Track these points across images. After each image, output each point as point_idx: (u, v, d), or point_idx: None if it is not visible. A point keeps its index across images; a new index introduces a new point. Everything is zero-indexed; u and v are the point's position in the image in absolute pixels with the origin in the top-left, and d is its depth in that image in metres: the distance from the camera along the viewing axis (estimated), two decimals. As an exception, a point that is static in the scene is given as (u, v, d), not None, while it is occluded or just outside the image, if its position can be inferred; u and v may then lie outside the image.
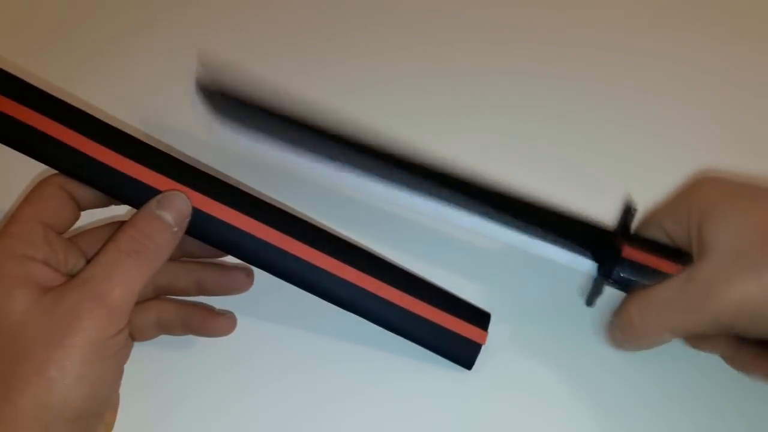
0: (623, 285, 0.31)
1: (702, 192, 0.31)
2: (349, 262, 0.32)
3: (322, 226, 0.33)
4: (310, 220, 0.33)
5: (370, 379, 0.34)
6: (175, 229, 0.29)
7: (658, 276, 0.30)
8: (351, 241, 0.33)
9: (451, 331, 0.33)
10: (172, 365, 0.35)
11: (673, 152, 0.40)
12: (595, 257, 0.32)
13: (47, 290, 0.28)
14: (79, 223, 0.32)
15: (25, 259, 0.28)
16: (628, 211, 0.33)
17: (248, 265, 0.33)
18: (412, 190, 0.34)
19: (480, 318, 0.34)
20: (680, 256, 0.31)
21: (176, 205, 0.30)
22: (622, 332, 0.32)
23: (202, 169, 0.31)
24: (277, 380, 0.34)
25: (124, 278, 0.28)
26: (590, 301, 0.33)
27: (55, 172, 0.31)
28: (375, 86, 0.43)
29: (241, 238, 0.31)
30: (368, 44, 0.44)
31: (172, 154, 0.31)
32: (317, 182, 0.38)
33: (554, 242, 0.33)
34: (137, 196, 0.30)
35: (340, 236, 0.33)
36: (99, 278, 0.28)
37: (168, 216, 0.29)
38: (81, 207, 0.31)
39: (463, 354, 0.33)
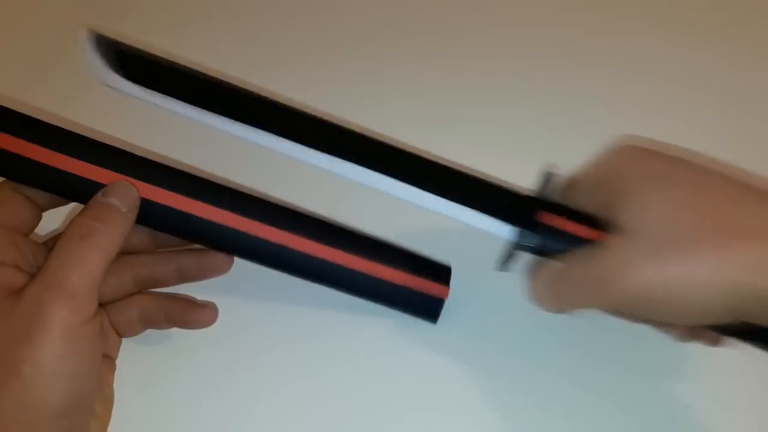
0: (539, 251, 0.31)
1: (621, 164, 0.30)
2: (305, 234, 0.32)
3: (272, 200, 0.32)
4: (260, 196, 0.32)
5: (346, 343, 0.36)
6: (124, 210, 0.29)
7: (574, 242, 0.30)
8: (305, 212, 0.33)
9: (413, 289, 0.33)
10: (165, 360, 0.35)
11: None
12: (514, 224, 0.31)
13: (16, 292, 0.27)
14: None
15: None
16: (546, 178, 0.32)
17: None
18: (328, 153, 0.32)
19: (441, 273, 0.34)
20: (597, 222, 0.30)
21: (121, 190, 0.30)
22: (533, 299, 0.31)
23: (148, 157, 0.31)
24: (265, 358, 0.36)
25: (78, 263, 0.27)
26: (503, 267, 0.32)
27: None
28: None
29: (194, 222, 0.31)
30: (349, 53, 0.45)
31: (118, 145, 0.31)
32: (221, 140, 0.34)
33: (477, 209, 0.32)
34: (87, 193, 0.30)
35: (294, 209, 0.33)
36: (54, 268, 0.27)
37: (114, 200, 0.29)
38: (40, 208, 0.31)
39: (428, 309, 0.34)
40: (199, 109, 0.31)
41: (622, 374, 0.36)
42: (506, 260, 0.32)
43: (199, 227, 0.31)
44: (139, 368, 0.35)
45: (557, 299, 0.30)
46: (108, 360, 0.33)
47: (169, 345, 0.36)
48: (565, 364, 0.36)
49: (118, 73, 0.31)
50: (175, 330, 0.34)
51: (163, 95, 0.31)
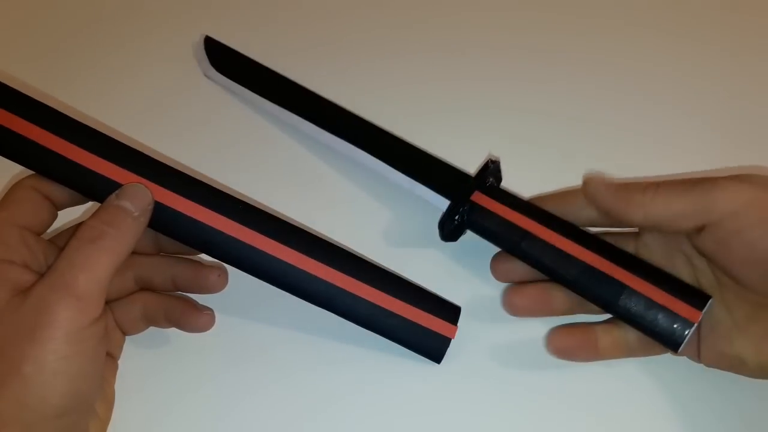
0: (471, 226, 0.35)
1: (736, 201, 0.29)
2: (318, 258, 0.32)
3: (290, 222, 0.33)
4: (278, 215, 0.33)
5: (344, 374, 0.35)
6: (136, 214, 0.29)
7: (503, 224, 0.34)
8: (320, 237, 0.33)
9: (421, 325, 0.33)
10: (166, 361, 0.35)
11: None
12: (453, 200, 0.35)
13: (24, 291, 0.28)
14: (63, 221, 0.33)
15: (2, 263, 0.28)
16: (487, 163, 0.36)
17: (223, 265, 0.33)
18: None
19: (449, 312, 0.33)
20: (530, 209, 0.34)
21: (135, 193, 0.30)
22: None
23: (171, 165, 0.32)
24: (264, 377, 0.35)
25: (87, 265, 0.27)
26: (444, 237, 0.36)
27: (28, 174, 0.31)
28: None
29: (207, 233, 0.31)
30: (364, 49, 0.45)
31: (146, 152, 0.31)
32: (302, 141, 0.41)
33: (424, 184, 0.37)
34: (107, 192, 0.30)
35: (308, 231, 0.33)
36: (62, 269, 0.27)
37: (127, 203, 0.29)
38: (57, 206, 0.32)
39: (433, 348, 0.33)
40: (263, 98, 0.41)
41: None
42: (444, 231, 0.36)
43: (209, 237, 0.31)
44: (138, 369, 0.35)
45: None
46: (110, 359, 0.33)
47: (167, 346, 0.36)
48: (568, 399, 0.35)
49: (218, 69, 0.43)
50: (174, 331, 0.34)
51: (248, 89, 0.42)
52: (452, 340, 0.33)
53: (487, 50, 0.45)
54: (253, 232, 0.31)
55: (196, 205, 0.31)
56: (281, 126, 0.41)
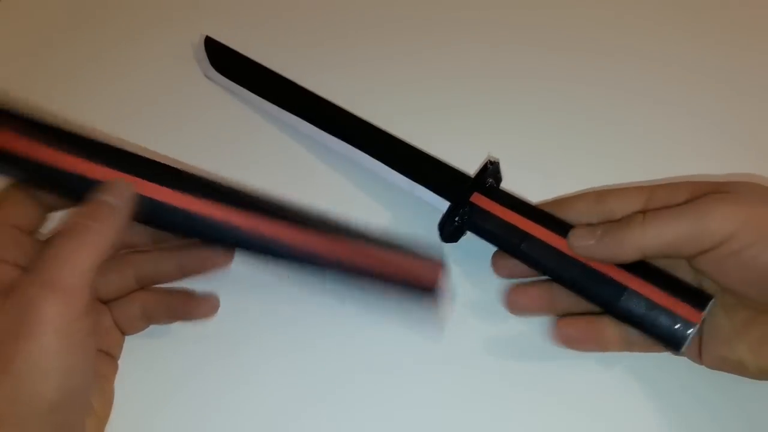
0: (471, 227, 0.35)
1: (731, 224, 0.29)
2: (299, 226, 0.32)
3: (281, 200, 0.33)
4: (267, 195, 0.33)
5: (341, 363, 0.35)
6: (118, 206, 0.29)
7: (503, 225, 0.34)
8: (307, 209, 0.33)
9: (407, 280, 0.32)
10: (164, 356, 0.35)
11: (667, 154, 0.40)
12: (452, 201, 0.35)
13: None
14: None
15: None
16: (486, 164, 0.36)
17: None
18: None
19: (435, 265, 0.33)
20: (530, 211, 0.34)
21: (115, 187, 0.30)
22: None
23: (151, 157, 0.32)
24: (262, 355, 0.35)
25: (70, 258, 0.28)
26: (444, 238, 0.36)
27: None
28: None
29: (192, 219, 0.31)
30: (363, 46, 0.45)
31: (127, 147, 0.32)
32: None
33: (424, 185, 0.37)
34: (85, 192, 0.30)
35: (288, 203, 0.33)
36: (46, 264, 0.27)
37: (108, 198, 0.29)
38: (47, 209, 0.32)
39: (421, 299, 0.33)
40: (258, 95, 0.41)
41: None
42: (444, 233, 0.35)
43: (198, 223, 0.31)
44: (137, 364, 0.35)
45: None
46: (109, 358, 0.33)
47: (167, 340, 0.36)
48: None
49: (218, 69, 0.43)
50: (173, 327, 0.35)
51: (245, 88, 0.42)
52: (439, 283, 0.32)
53: (486, 48, 0.45)
54: (239, 211, 0.31)
55: (177, 192, 0.31)
56: (281, 126, 0.41)
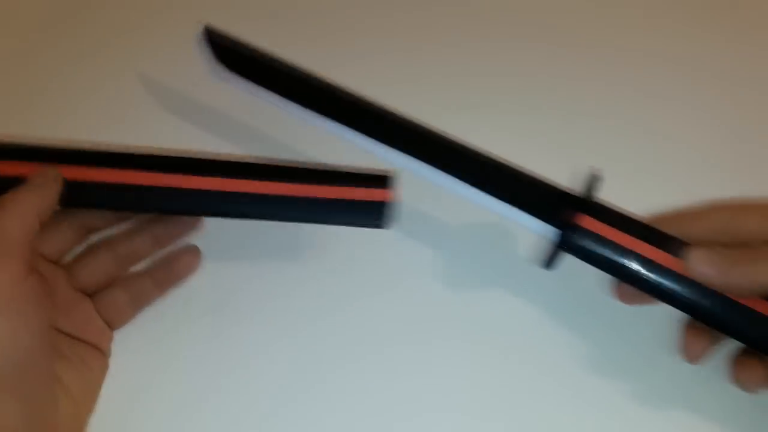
0: (580, 253, 0.30)
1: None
2: (240, 176, 0.33)
3: (210, 156, 0.34)
4: (192, 155, 0.33)
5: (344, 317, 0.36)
6: (39, 183, 0.30)
7: (615, 248, 0.29)
8: (234, 158, 0.34)
9: (353, 200, 0.33)
10: (154, 346, 0.35)
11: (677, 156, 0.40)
12: (556, 225, 0.31)
13: None
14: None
15: None
16: (591, 181, 0.31)
17: None
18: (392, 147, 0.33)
19: (379, 180, 0.33)
20: (645, 230, 0.30)
21: (38, 173, 0.31)
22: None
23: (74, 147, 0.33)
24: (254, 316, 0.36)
25: (14, 210, 0.28)
26: (548, 265, 0.32)
27: None
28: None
29: (136, 192, 0.32)
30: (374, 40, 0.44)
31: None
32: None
33: (516, 206, 0.31)
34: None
35: (225, 158, 0.34)
36: None
37: (32, 180, 0.30)
38: None
39: (373, 216, 0.33)
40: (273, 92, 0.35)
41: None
42: (547, 259, 0.31)
43: (143, 195, 0.32)
44: (126, 355, 0.35)
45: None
46: (96, 351, 0.33)
47: (156, 330, 0.36)
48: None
49: (222, 65, 0.35)
50: (168, 324, 0.35)
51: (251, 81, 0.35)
52: (390, 202, 0.33)
53: (505, 44, 0.43)
54: (178, 174, 0.32)
55: (114, 170, 0.32)
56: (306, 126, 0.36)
